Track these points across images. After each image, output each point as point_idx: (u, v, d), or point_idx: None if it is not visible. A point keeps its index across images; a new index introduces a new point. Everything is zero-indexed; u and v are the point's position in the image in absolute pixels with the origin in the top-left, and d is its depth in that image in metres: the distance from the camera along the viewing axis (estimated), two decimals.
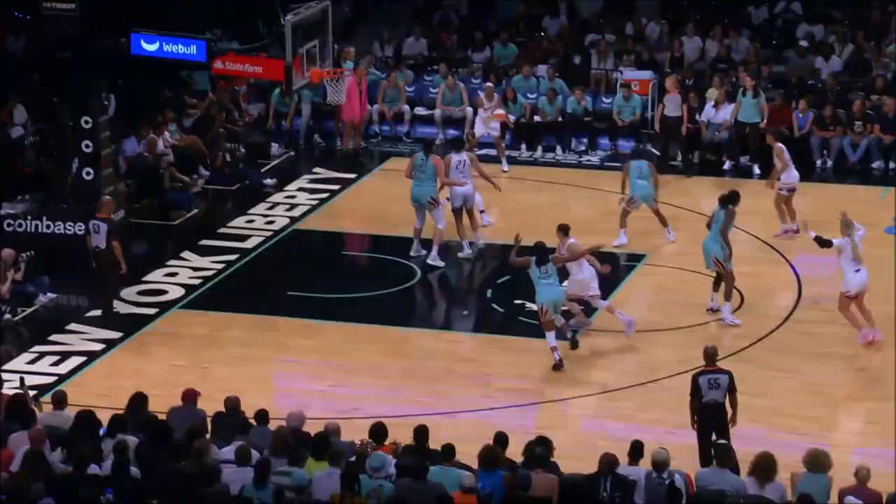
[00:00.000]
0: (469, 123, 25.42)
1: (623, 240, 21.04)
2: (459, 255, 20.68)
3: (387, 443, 12.88)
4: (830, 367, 17.25)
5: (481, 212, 21.78)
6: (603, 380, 16.99)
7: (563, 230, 18.17)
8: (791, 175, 21.28)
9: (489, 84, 25.33)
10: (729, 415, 14.32)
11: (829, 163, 24.81)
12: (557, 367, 17.09)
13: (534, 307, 18.74)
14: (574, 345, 17.61)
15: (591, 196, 23.60)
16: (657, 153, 25.05)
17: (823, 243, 17.57)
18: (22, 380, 14.80)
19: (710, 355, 14.50)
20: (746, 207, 22.67)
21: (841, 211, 17.84)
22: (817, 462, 12.20)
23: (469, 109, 26.02)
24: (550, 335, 17.24)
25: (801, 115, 24.92)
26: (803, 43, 26.91)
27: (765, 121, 24.52)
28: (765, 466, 12.17)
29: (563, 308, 17.70)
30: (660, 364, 17.29)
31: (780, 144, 21.53)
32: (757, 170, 24.50)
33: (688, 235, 21.35)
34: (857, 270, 17.27)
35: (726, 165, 24.77)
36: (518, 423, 15.54)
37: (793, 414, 16.15)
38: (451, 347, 18.06)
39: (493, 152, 24.74)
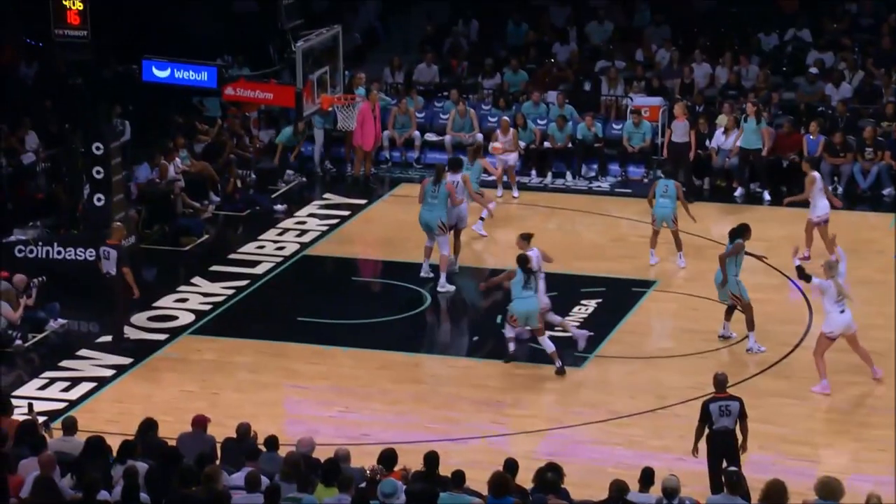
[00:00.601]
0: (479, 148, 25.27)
1: (654, 260, 21.09)
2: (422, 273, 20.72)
3: (397, 469, 12.87)
4: (841, 394, 17.19)
5: (481, 218, 22.06)
6: (613, 406, 16.96)
7: (526, 238, 18.40)
8: (821, 207, 21.07)
9: (504, 118, 25.26)
10: (739, 441, 14.28)
11: (840, 189, 24.79)
12: (511, 358, 17.94)
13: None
14: (509, 359, 18.03)
15: (601, 222, 23.61)
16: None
17: (803, 276, 17.27)
18: (30, 405, 14.80)
19: (721, 382, 14.46)
20: (755, 234, 22.71)
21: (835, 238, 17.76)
22: (829, 490, 12.14)
23: (479, 136, 26.06)
24: (512, 331, 17.94)
25: (812, 137, 24.93)
26: (813, 70, 26.94)
27: (765, 147, 24.54)
28: (776, 494, 12.11)
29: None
30: (670, 390, 17.26)
31: (815, 174, 21.32)
32: (767, 196, 24.50)
33: (696, 261, 21.36)
34: (842, 312, 16.88)
35: (738, 192, 24.77)
36: (528, 449, 15.52)
37: (804, 441, 16.11)
38: (462, 373, 18.05)
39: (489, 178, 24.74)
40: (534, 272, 17.83)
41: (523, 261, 17.86)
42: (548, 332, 17.97)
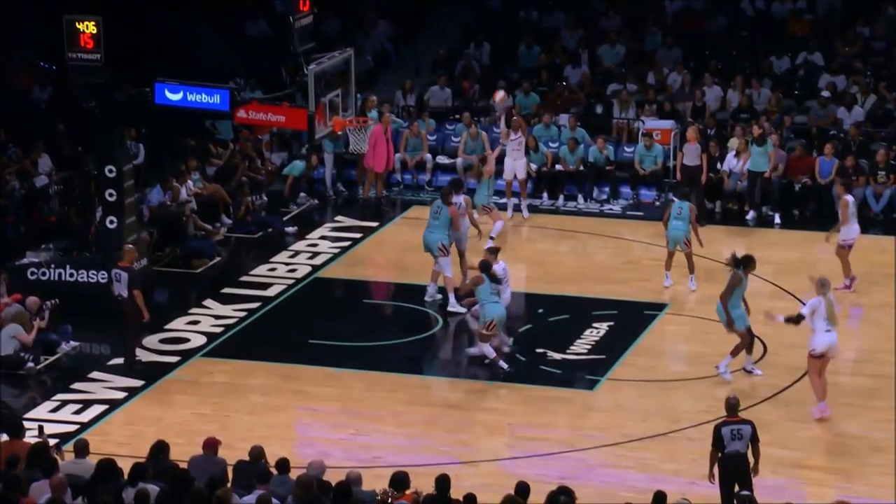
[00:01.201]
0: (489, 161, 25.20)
1: (668, 282, 21.07)
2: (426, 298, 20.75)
3: (408, 492, 12.85)
4: (854, 418, 17.13)
5: (491, 237, 22.17)
6: (625, 429, 16.92)
7: (493, 252, 18.78)
8: (852, 230, 20.95)
9: (516, 118, 25.13)
10: (751, 465, 14.24)
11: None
12: (507, 373, 18.07)
13: (556, 356, 18.78)
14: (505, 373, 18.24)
15: (613, 245, 23.60)
16: None
17: (795, 320, 16.94)
18: (41, 428, 14.81)
19: (732, 406, 14.42)
20: (767, 258, 22.74)
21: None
22: None
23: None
24: (489, 348, 18.18)
25: (826, 159, 24.92)
26: (825, 93, 26.94)
27: (770, 169, 24.52)
28: None
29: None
30: (682, 414, 17.22)
31: (849, 197, 21.17)
32: (778, 219, 24.48)
33: (709, 284, 21.32)
34: (828, 331, 16.67)
35: (749, 215, 24.76)
36: (540, 472, 15.48)
37: (816, 465, 16.06)
38: (473, 396, 18.03)
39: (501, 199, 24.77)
40: (499, 279, 18.35)
41: (486, 267, 18.32)
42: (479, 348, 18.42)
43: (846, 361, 18.53)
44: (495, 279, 18.33)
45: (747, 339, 18.05)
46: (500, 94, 24.94)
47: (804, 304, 19.89)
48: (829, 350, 16.78)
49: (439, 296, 20.69)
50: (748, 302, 18.20)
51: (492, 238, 22.32)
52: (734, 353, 18.09)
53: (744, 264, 18.12)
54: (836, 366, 18.16)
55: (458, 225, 20.52)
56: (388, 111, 26.69)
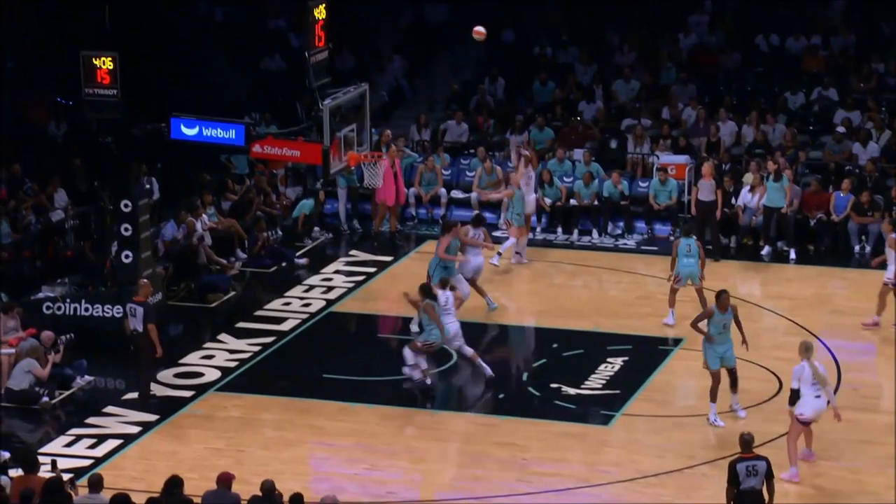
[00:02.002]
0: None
1: (671, 320, 21.02)
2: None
3: None
4: (870, 455, 17.05)
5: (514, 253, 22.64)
6: (640, 465, 16.87)
7: (444, 283, 19.18)
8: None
9: (527, 152, 25.02)
10: (767, 501, 14.17)
11: (868, 248, 24.69)
12: (429, 386, 18.71)
13: (571, 391, 18.75)
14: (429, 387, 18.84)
15: (628, 280, 23.58)
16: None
17: (793, 398, 16.27)
18: (53, 462, 14.82)
19: (747, 442, 14.37)
20: (782, 293, 22.72)
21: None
22: None
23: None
24: (410, 354, 18.76)
25: (842, 195, 24.90)
26: (840, 129, 26.94)
27: (787, 205, 24.51)
28: None
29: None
30: (697, 449, 17.16)
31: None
32: (793, 255, 24.45)
33: None
34: (817, 396, 16.16)
35: (764, 250, 24.71)
36: None
37: (833, 502, 15.96)
38: (487, 431, 17.99)
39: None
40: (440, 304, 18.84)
41: (427, 291, 18.90)
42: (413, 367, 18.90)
43: (863, 398, 18.45)
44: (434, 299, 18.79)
45: (717, 380, 17.76)
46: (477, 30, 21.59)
47: (820, 340, 19.88)
48: (816, 416, 16.30)
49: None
50: (747, 337, 17.90)
51: (499, 254, 22.66)
52: (711, 397, 17.80)
53: (716, 298, 17.87)
54: (854, 401, 18.09)
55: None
56: (402, 146, 26.76)
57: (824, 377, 16.22)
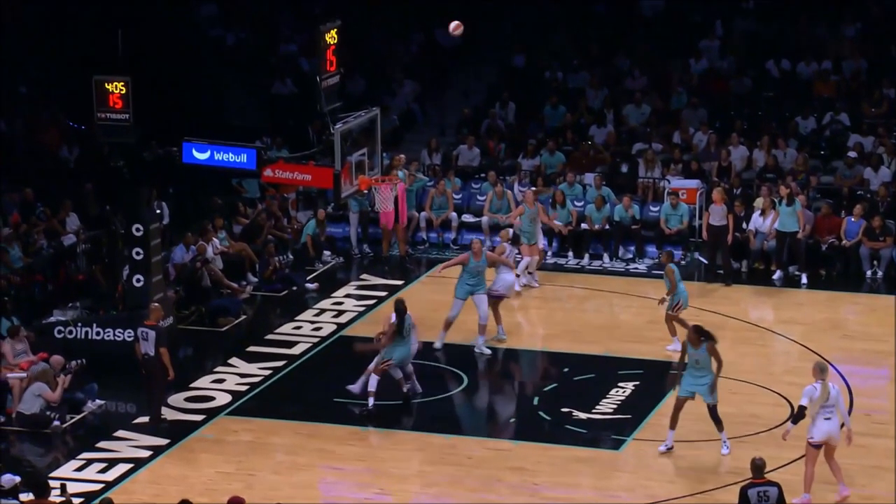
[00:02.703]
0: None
1: (677, 346, 20.96)
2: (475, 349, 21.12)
3: None
4: (883, 481, 16.98)
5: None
6: (651, 490, 16.82)
7: (398, 309, 19.09)
8: None
9: (531, 190, 25.09)
10: None
11: (880, 273, 24.65)
12: (368, 412, 18.75)
13: (582, 415, 18.73)
14: (409, 398, 19.14)
15: (638, 304, 23.55)
16: (705, 262, 25.06)
17: (798, 416, 16.13)
18: (63, 486, 14.81)
19: (758, 467, 14.32)
20: (794, 318, 22.68)
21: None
22: None
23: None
24: (374, 381, 18.77)
25: (853, 220, 24.86)
26: (852, 153, 26.92)
27: (801, 230, 24.49)
28: None
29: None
30: (708, 475, 17.11)
31: None
32: (805, 279, 24.40)
33: (735, 345, 21.26)
34: (827, 419, 15.96)
35: (776, 275, 24.67)
36: None
37: None
38: (498, 455, 17.95)
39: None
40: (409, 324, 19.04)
41: (400, 310, 19.01)
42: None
43: (876, 423, 18.38)
44: (401, 328, 18.89)
45: (676, 406, 17.57)
46: (454, 26, 20.61)
47: (833, 365, 19.79)
48: (828, 439, 16.08)
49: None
50: (725, 373, 17.70)
51: (517, 276, 22.69)
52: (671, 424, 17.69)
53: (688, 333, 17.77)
54: (866, 427, 18.03)
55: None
56: (415, 170, 26.79)
57: (835, 401, 16.00)
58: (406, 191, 26.02)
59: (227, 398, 19.64)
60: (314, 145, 20.06)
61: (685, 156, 27.59)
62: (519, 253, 23.19)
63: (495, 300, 21.39)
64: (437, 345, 21.21)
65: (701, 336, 17.40)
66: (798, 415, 16.15)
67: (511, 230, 23.24)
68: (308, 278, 24.78)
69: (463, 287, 21.10)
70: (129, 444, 18.21)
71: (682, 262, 25.48)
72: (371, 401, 18.89)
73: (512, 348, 21.56)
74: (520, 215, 24.05)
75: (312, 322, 22.77)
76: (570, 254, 25.99)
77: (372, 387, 18.94)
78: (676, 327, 20.85)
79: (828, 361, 20.16)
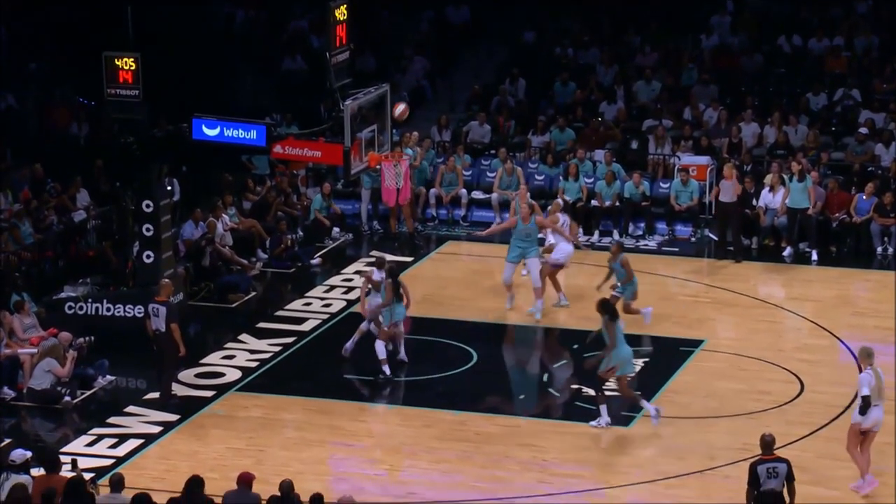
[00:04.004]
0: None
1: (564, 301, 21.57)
2: (554, 305, 21.67)
3: None
4: (892, 457, 16.96)
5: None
6: (661, 466, 16.83)
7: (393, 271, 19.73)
8: None
9: (557, 201, 24.24)
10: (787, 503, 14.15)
11: (890, 250, 24.60)
12: (387, 377, 18.99)
13: (591, 392, 18.72)
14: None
15: (648, 281, 23.48)
16: (715, 238, 25.02)
17: (864, 406, 15.84)
18: (74, 461, 14.86)
19: (768, 443, 14.32)
20: (804, 294, 22.66)
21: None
22: None
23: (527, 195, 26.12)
24: (382, 346, 19.23)
25: (865, 198, 24.80)
26: (863, 130, 26.83)
27: (812, 206, 24.43)
28: None
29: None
30: (718, 451, 17.12)
31: None
32: (815, 256, 24.36)
33: (744, 321, 21.26)
34: (876, 405, 15.84)
35: (786, 252, 24.62)
36: None
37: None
38: (508, 432, 17.98)
39: None
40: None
41: (394, 273, 19.73)
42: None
43: (888, 400, 18.33)
44: (397, 288, 19.29)
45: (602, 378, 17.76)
46: (400, 108, 20.44)
47: (842, 342, 19.77)
48: (874, 425, 15.97)
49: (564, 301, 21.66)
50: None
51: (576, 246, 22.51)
52: (599, 399, 17.79)
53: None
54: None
55: (562, 234, 21.71)
56: (413, 143, 26.47)
57: (884, 389, 15.88)
58: (412, 168, 25.96)
59: (238, 374, 19.68)
60: (324, 122, 20.01)
61: (696, 132, 27.52)
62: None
63: (554, 269, 21.62)
64: (538, 315, 21.34)
65: (600, 310, 17.80)
66: (864, 405, 15.84)
67: (561, 200, 23.31)
68: (319, 254, 24.78)
69: (514, 250, 21.43)
70: (140, 420, 18.26)
71: (692, 240, 25.46)
72: (386, 367, 19.17)
73: (521, 325, 21.57)
74: (511, 227, 23.16)
75: (322, 299, 22.79)
76: (581, 230, 25.94)
77: (382, 354, 19.19)
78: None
79: (838, 338, 20.21)
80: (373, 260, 21.20)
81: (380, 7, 31.59)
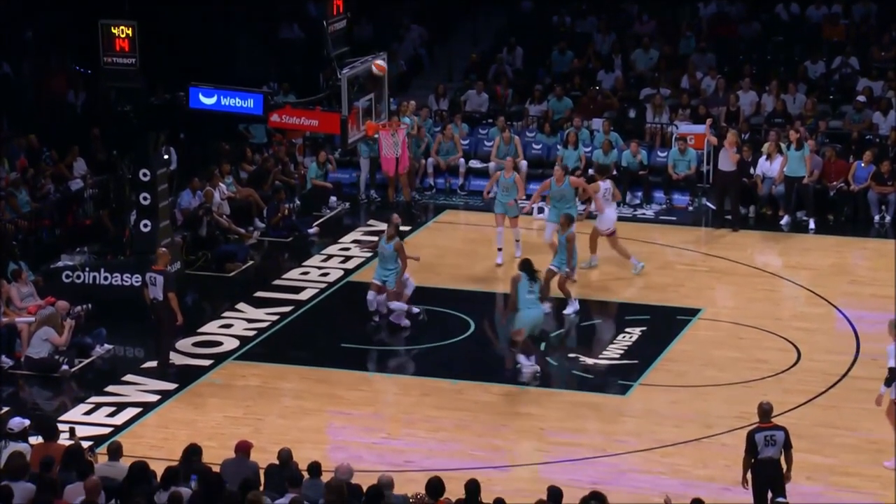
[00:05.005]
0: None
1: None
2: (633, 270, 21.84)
3: (441, 499, 12.81)
4: (887, 425, 16.98)
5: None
6: (658, 435, 16.87)
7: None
8: None
9: (557, 168, 24.38)
10: (784, 471, 14.16)
11: (888, 218, 24.59)
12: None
13: (589, 361, 18.75)
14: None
15: (646, 250, 23.50)
16: (713, 207, 25.00)
17: (892, 377, 15.88)
18: (72, 430, 14.87)
19: (766, 411, 14.34)
20: (801, 263, 22.67)
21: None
22: None
23: (524, 163, 26.10)
24: (401, 304, 19.81)
25: (863, 166, 24.78)
26: (861, 98, 26.78)
27: (808, 174, 24.40)
28: None
29: None
30: (715, 419, 17.15)
31: None
32: (812, 224, 24.36)
33: (741, 290, 21.27)
34: None
35: (784, 220, 24.61)
36: (572, 477, 15.45)
37: (851, 472, 15.96)
38: (505, 400, 18.01)
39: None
40: (537, 279, 18.72)
41: (399, 231, 20.28)
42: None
43: (883, 367, 18.37)
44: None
45: (520, 335, 18.23)
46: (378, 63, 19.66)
47: (839, 310, 19.75)
48: None
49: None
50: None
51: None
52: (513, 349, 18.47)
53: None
54: (873, 372, 17.91)
55: (600, 207, 21.81)
56: (411, 112, 26.41)
57: None
58: (414, 136, 25.93)
59: (235, 343, 19.69)
60: (321, 90, 19.96)
61: (693, 101, 27.47)
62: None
63: (607, 236, 21.84)
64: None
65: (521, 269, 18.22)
66: (891, 377, 15.84)
67: (560, 167, 23.37)
68: (316, 223, 24.76)
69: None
70: (138, 389, 18.27)
71: (690, 209, 25.45)
72: (415, 308, 19.98)
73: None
74: (546, 189, 22.92)
75: (320, 268, 22.78)
76: (577, 199, 25.88)
77: (403, 307, 19.99)
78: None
79: (835, 306, 20.21)
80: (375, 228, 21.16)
81: None
